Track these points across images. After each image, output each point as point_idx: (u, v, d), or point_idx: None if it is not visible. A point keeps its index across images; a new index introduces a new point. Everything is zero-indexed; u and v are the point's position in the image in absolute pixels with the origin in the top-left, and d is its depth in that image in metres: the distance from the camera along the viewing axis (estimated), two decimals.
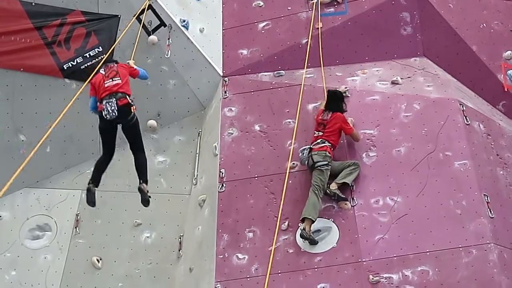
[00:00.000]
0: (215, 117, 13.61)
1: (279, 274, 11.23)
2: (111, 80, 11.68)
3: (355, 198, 11.86)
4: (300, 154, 12.13)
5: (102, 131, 11.81)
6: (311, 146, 12.09)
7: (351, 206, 11.78)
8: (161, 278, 12.72)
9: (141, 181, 11.73)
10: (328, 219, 11.72)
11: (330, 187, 11.81)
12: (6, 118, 13.86)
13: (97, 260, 12.89)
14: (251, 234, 11.86)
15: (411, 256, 11.06)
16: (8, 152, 13.80)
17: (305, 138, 12.41)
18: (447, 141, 12.21)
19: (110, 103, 11.46)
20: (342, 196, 11.80)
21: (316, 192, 11.67)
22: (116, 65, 11.97)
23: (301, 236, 11.47)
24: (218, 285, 11.31)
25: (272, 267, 11.26)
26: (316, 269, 11.24)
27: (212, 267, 11.61)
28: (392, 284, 10.86)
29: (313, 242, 11.47)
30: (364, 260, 11.15)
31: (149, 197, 11.70)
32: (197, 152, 13.76)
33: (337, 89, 12.74)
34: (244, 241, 11.80)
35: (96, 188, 11.72)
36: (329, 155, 11.93)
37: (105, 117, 11.48)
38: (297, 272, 11.27)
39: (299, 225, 11.60)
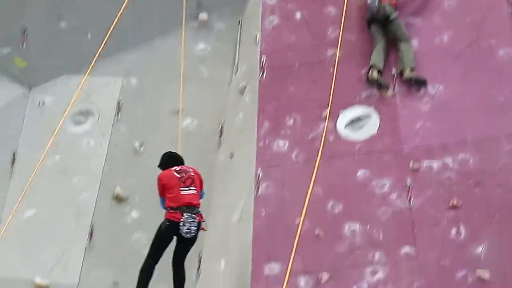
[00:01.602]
0: (256, 4, 13.47)
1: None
2: (187, 188, 10.31)
3: (396, 86, 11.82)
4: (369, 0, 12.21)
5: (164, 238, 10.36)
6: None
7: (393, 93, 11.77)
8: (202, 164, 12.79)
9: None
10: (369, 106, 11.71)
11: (373, 75, 11.74)
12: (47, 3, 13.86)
13: (139, 145, 13.02)
14: (291, 121, 11.86)
15: (451, 143, 11.03)
16: (49, 39, 13.87)
17: (348, 25, 12.30)
18: (491, 29, 12.01)
19: (194, 223, 10.10)
20: (384, 83, 11.76)
21: (407, 40, 11.93)
22: (191, 169, 10.63)
23: (414, 80, 11.68)
24: (259, 171, 11.38)
25: (311, 153, 11.39)
26: (356, 156, 11.26)
27: (252, 153, 11.65)
28: (432, 171, 10.86)
29: (423, 83, 11.64)
30: (404, 147, 11.19)
31: None
32: (238, 39, 13.71)
33: None
34: (284, 128, 11.78)
35: None
36: None
37: (182, 233, 10.07)
38: (337, 159, 11.27)
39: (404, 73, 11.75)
